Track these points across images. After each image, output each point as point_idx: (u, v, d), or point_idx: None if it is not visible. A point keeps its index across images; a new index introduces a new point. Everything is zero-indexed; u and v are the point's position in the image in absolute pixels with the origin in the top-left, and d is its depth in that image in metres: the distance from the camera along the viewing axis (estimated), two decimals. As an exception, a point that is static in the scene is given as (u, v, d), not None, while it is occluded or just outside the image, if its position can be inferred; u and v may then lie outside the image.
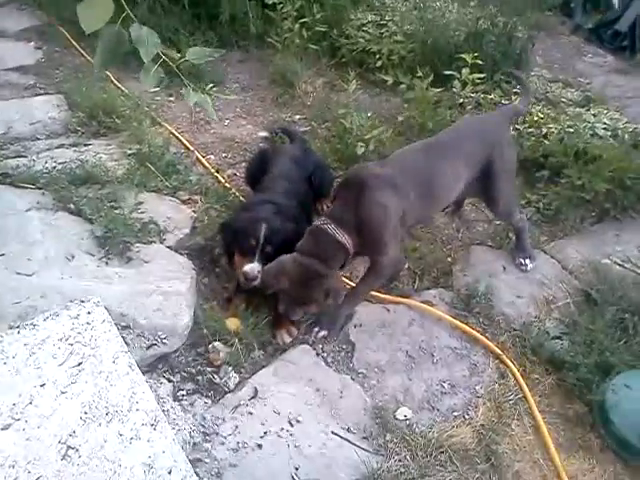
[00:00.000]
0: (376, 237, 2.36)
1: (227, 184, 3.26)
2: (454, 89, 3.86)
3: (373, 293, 2.68)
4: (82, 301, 1.79)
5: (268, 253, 2.41)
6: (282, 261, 2.33)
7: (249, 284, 2.41)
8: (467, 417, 2.22)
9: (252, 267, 2.39)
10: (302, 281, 2.30)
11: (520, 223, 2.89)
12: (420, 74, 3.88)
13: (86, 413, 1.46)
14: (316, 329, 2.46)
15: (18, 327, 1.67)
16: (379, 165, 2.49)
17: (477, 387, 2.34)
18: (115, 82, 4.03)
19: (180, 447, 1.46)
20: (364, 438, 2.10)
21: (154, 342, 2.17)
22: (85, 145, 3.38)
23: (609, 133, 3.46)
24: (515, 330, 2.57)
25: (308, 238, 2.37)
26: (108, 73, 4.05)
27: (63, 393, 1.49)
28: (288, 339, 2.43)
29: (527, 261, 2.89)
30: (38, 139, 3.45)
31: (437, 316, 2.59)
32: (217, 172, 3.34)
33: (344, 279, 2.67)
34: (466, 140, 2.61)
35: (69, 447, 1.37)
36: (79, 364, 1.56)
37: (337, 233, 2.32)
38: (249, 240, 2.42)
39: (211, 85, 4.04)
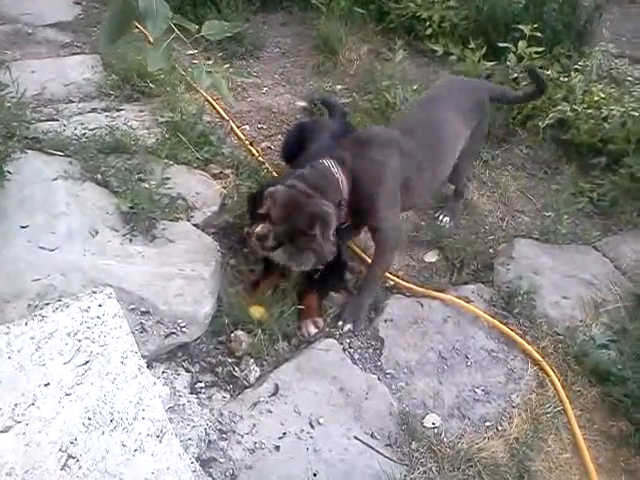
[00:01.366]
0: (370, 196, 2.27)
1: (261, 158, 3.11)
2: (508, 63, 3.57)
3: (407, 285, 2.53)
4: (94, 292, 1.69)
5: None
6: (276, 186, 2.22)
7: (260, 245, 2.23)
8: (500, 428, 2.08)
9: (262, 226, 2.20)
10: (285, 201, 2.15)
11: (464, 188, 2.94)
12: (472, 45, 3.65)
13: (89, 419, 1.37)
14: (340, 322, 2.34)
15: (26, 318, 1.59)
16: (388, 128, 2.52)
17: (513, 395, 2.18)
18: (152, 42, 3.88)
19: (188, 463, 1.37)
20: (388, 445, 1.98)
21: (173, 330, 2.08)
22: (117, 110, 3.27)
23: (679, 119, 3.15)
24: (558, 335, 2.39)
25: (306, 169, 2.28)
26: (146, 32, 3.90)
27: (67, 395, 1.40)
28: (314, 330, 2.30)
29: (447, 219, 2.88)
30: (71, 101, 3.35)
31: (474, 314, 2.43)
32: (251, 145, 3.19)
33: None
34: (463, 97, 2.64)
35: (70, 456, 1.29)
36: (86, 362, 1.47)
37: (335, 170, 2.24)
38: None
39: (249, 49, 3.88)
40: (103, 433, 1.35)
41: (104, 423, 1.37)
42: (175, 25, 1.43)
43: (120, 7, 1.29)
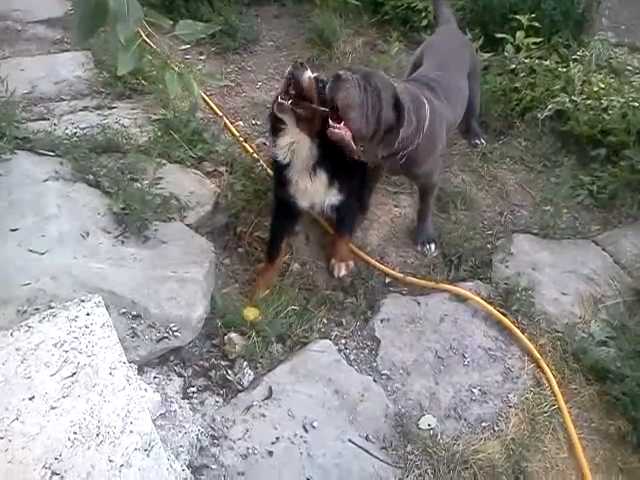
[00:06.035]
0: (434, 141, 2.41)
1: (255, 154, 3.07)
2: (506, 53, 3.51)
3: (413, 280, 2.52)
4: (82, 300, 1.66)
5: None
6: None
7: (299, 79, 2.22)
8: (496, 429, 2.06)
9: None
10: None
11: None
12: (469, 36, 3.56)
13: (75, 433, 1.35)
14: (425, 249, 2.66)
15: (12, 328, 1.56)
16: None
17: (510, 395, 2.16)
18: (144, 37, 3.81)
19: (175, 478, 1.34)
20: (383, 448, 1.96)
21: (165, 335, 2.05)
22: (109, 108, 3.23)
23: (680, 109, 3.09)
24: (557, 332, 2.36)
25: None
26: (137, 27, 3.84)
27: (53, 408, 1.37)
28: (345, 272, 2.50)
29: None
30: (62, 99, 3.30)
31: (478, 304, 2.41)
32: (245, 141, 3.15)
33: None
34: (462, 49, 2.98)
35: (53, 473, 1.27)
36: (73, 374, 1.44)
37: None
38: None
39: (242, 43, 3.86)
40: (89, 448, 1.32)
41: (90, 437, 1.34)
42: (149, 22, 1.38)
43: (91, 5, 1.24)
